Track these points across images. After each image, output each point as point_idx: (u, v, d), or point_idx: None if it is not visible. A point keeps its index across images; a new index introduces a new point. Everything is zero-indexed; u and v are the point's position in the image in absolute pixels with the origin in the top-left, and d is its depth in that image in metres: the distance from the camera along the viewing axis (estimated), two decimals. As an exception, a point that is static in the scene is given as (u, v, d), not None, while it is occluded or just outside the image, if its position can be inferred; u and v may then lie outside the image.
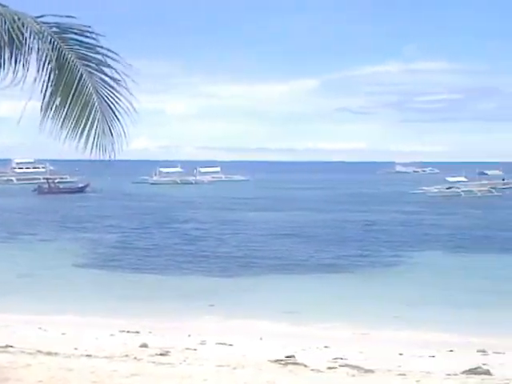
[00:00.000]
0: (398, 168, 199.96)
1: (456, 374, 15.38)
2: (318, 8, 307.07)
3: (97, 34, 9.43)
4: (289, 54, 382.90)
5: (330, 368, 15.67)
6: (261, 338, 20.93)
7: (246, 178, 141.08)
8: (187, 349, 18.02)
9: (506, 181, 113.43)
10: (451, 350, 19.84)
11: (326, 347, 19.63)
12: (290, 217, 65.43)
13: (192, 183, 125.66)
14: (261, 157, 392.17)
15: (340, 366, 16.08)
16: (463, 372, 15.65)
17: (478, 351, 19.77)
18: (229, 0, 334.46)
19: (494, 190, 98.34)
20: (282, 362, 15.75)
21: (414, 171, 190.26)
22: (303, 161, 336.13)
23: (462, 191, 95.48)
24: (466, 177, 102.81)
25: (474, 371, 15.70)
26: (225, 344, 19.39)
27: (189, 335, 20.91)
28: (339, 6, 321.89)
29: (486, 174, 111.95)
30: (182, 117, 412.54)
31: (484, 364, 17.14)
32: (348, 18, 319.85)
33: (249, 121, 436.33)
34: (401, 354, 18.87)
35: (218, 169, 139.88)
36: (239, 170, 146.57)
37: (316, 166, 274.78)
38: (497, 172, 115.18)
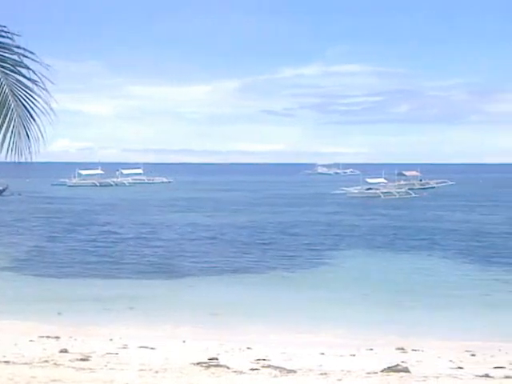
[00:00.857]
0: (320, 169, 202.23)
1: (376, 373, 15.63)
2: (243, 9, 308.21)
3: (13, 34, 9.17)
4: (212, 55, 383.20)
5: (252, 369, 15.72)
6: (184, 341, 20.84)
7: (169, 179, 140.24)
8: (108, 353, 17.80)
9: (423, 181, 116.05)
10: (371, 349, 20.16)
11: (248, 348, 19.68)
12: (212, 219, 65.34)
13: (112, 185, 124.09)
14: (185, 159, 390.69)
15: (263, 366, 16.15)
16: (383, 370, 15.92)
17: (397, 349, 20.15)
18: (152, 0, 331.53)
19: (412, 191, 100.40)
20: (205, 365, 15.74)
21: (335, 172, 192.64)
22: (227, 162, 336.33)
23: (381, 192, 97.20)
24: (385, 178, 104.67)
25: (393, 369, 15.99)
26: (147, 348, 19.21)
27: (110, 339, 20.65)
28: (263, 8, 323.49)
29: (405, 176, 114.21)
30: (105, 118, 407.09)
31: (403, 362, 17.46)
32: (271, 20, 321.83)
33: (173, 122, 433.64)
34: (322, 354, 19.07)
35: (140, 171, 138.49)
36: (162, 172, 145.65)
37: (240, 167, 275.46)
38: (414, 173, 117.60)
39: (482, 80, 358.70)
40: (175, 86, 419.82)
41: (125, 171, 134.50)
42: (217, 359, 16.86)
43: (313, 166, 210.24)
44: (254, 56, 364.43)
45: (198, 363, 15.92)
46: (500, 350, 20.16)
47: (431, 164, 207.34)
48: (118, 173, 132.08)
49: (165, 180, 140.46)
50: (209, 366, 15.53)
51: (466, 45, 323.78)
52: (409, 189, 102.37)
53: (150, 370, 14.91)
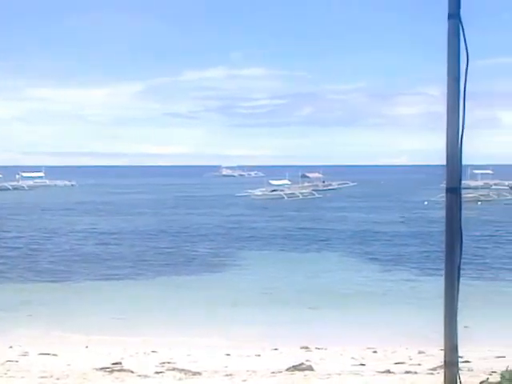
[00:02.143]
0: (225, 171, 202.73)
1: (281, 372, 15.71)
2: (146, 10, 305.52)
3: None
4: (114, 56, 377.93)
5: (157, 372, 15.56)
6: (86, 347, 20.45)
7: (72, 183, 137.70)
8: (8, 361, 17.27)
9: (326, 183, 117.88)
10: (276, 349, 20.28)
11: (153, 352, 19.48)
12: (114, 222, 64.44)
13: (10, 189, 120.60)
14: (89, 161, 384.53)
15: (167, 369, 16.01)
16: (287, 369, 16.02)
17: (301, 348, 20.33)
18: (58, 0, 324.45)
19: (315, 192, 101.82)
20: (108, 370, 15.47)
21: (240, 174, 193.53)
22: (133, 165, 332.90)
23: (285, 194, 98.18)
24: (289, 180, 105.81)
25: (297, 368, 16.11)
26: (48, 354, 18.75)
27: (10, 347, 20.05)
28: (166, 10, 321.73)
29: (308, 177, 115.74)
30: (5, 121, 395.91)
31: (307, 360, 17.63)
32: (175, 23, 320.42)
33: (76, 124, 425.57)
34: (228, 355, 19.07)
35: (41, 174, 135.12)
36: (65, 175, 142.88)
37: (145, 170, 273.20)
38: (317, 175, 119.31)
39: (381, 84, 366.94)
40: (77, 89, 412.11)
41: (25, 174, 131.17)
42: (120, 364, 16.60)
43: (218, 168, 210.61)
44: (157, 58, 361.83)
45: (101, 368, 15.63)
46: (400, 346, 20.61)
47: (334, 166, 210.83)
48: (18, 176, 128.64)
49: (67, 183, 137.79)
50: (112, 371, 15.28)
51: (365, 49, 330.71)
52: (312, 190, 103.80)
53: (51, 376, 14.55)
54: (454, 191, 3.48)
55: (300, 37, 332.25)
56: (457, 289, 3.47)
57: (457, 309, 3.47)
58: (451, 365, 3.56)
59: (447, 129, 3.43)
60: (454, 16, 3.34)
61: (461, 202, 3.54)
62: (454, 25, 3.34)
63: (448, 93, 3.40)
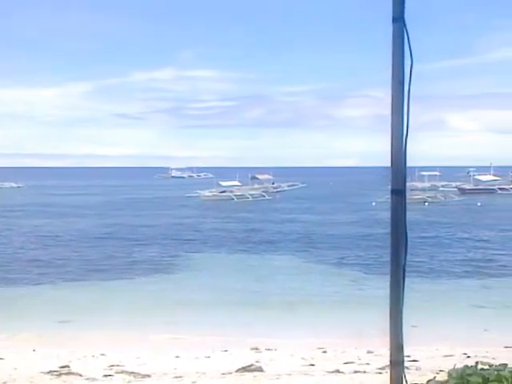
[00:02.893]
0: (174, 173, 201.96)
1: (230, 373, 15.72)
2: (93, 10, 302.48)
3: None
4: (62, 57, 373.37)
5: (106, 376, 15.43)
6: (34, 350, 20.16)
7: (19, 184, 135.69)
8: (-47, 366, 16.96)
9: (275, 184, 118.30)
10: (226, 350, 20.27)
11: (102, 355, 19.31)
12: (59, 224, 63.64)
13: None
14: (38, 163, 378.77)
15: (116, 372, 15.89)
16: (237, 370, 16.03)
17: (251, 349, 20.36)
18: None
19: (265, 194, 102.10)
20: (56, 373, 15.29)
21: (189, 176, 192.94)
22: (82, 166, 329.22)
23: (235, 195, 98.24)
24: (239, 181, 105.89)
25: (247, 369, 16.15)
26: (-6, 358, 18.46)
27: (-46, 351, 19.68)
28: (113, 10, 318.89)
29: (258, 179, 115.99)
30: None
31: (257, 361, 17.67)
32: (123, 23, 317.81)
33: (22, 125, 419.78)
34: (177, 357, 19.00)
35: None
36: (11, 177, 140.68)
37: (94, 171, 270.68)
38: (267, 176, 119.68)
39: (330, 86, 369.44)
40: (25, 89, 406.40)
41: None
42: (68, 367, 16.42)
43: (167, 169, 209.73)
44: (106, 58, 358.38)
45: (48, 372, 15.44)
46: (350, 346, 20.77)
47: (283, 167, 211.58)
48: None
49: (14, 185, 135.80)
50: (60, 374, 15.11)
51: (315, 52, 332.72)
52: (262, 191, 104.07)
53: (-2, 380, 14.32)
54: (398, 193, 3.53)
55: (250, 39, 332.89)
56: (402, 289, 3.52)
57: (402, 309, 3.52)
58: (397, 364, 3.61)
59: (392, 131, 3.48)
60: (398, 19, 3.40)
61: (405, 203, 3.59)
62: (399, 28, 3.39)
63: (392, 95, 3.45)
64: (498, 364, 7.37)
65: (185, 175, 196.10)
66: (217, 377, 15.29)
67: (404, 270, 3.47)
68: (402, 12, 3.39)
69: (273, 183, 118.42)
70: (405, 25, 3.39)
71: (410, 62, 3.39)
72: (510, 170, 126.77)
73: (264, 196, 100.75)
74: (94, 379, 14.81)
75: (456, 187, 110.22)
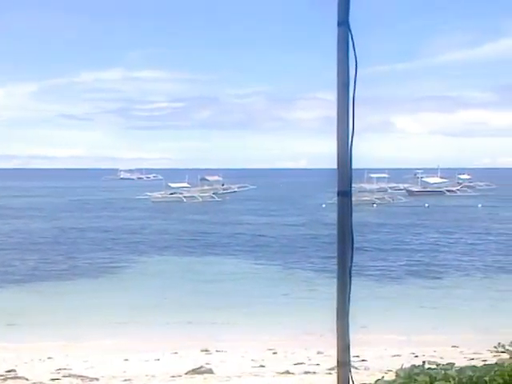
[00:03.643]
0: (123, 174, 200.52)
1: (180, 375, 15.68)
2: (41, 7, 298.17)
3: None
4: (10, 55, 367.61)
5: (53, 379, 15.25)
6: (-21, 355, 19.82)
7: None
8: None
9: (225, 186, 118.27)
10: (176, 352, 20.20)
11: (49, 358, 19.08)
12: (5, 226, 62.64)
13: None
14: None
15: (64, 376, 15.72)
16: (187, 372, 16.00)
17: (201, 351, 20.34)
18: None
19: (215, 196, 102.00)
20: (2, 378, 15.06)
21: (139, 178, 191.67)
22: (27, 168, 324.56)
23: (185, 197, 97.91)
24: (188, 183, 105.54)
25: (197, 371, 16.12)
26: None
27: None
28: (62, 9, 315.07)
29: (208, 180, 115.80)
30: None
31: (207, 363, 17.66)
32: (70, 22, 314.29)
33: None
34: (126, 360, 18.86)
35: None
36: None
37: (40, 172, 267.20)
38: (217, 178, 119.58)
39: (280, 88, 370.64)
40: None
41: None
42: (14, 371, 16.19)
43: (115, 171, 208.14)
44: (52, 59, 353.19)
45: (-7, 376, 15.20)
46: (300, 347, 20.88)
47: (233, 169, 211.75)
48: None
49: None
50: (6, 379, 14.88)
51: (266, 54, 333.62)
52: (212, 193, 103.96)
53: None
54: (344, 194, 3.57)
55: (198, 39, 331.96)
56: (348, 290, 3.54)
57: (349, 310, 3.54)
58: (344, 364, 3.64)
59: (337, 133, 3.51)
60: (343, 23, 3.44)
61: (351, 204, 3.62)
62: (343, 32, 3.43)
63: (338, 98, 3.49)
64: (445, 363, 7.47)
65: (134, 177, 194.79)
66: (166, 379, 15.23)
67: (350, 271, 3.50)
68: (347, 16, 3.43)
69: (223, 185, 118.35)
70: (349, 29, 3.43)
71: (354, 65, 3.43)
72: (457, 171, 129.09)
73: (214, 197, 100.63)
74: (40, 383, 14.62)
75: (404, 189, 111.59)
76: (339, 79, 3.46)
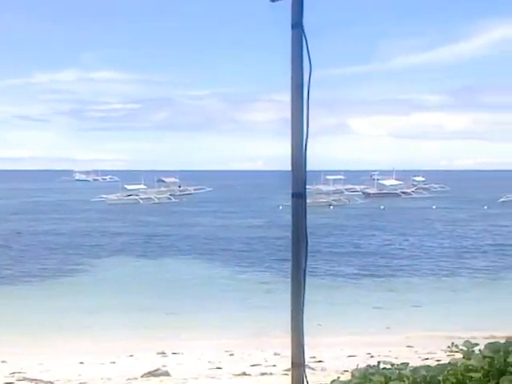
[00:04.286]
0: (78, 176, 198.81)
1: (136, 378, 15.61)
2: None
3: None
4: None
5: (6, 383, 15.05)
6: None
7: None
8: None
9: (182, 188, 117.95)
10: (132, 355, 20.08)
11: (3, 362, 18.83)
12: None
13: None
14: None
15: (18, 380, 15.54)
16: (143, 375, 15.93)
17: (157, 353, 20.24)
18: None
19: (172, 197, 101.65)
20: (-46, 383, 14.82)
21: (94, 179, 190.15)
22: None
23: (141, 198, 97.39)
24: (145, 184, 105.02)
25: (153, 373, 16.05)
26: None
27: None
28: (17, 8, 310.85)
29: (164, 182, 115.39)
30: None
31: (163, 366, 17.60)
32: (27, 22, 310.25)
33: None
34: (81, 363, 18.70)
35: None
36: None
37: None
38: (173, 179, 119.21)
39: (236, 90, 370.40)
40: None
41: None
42: (-33, 375, 15.94)
43: (70, 172, 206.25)
44: (5, 60, 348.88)
45: None
46: (257, 349, 20.91)
47: (190, 170, 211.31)
48: None
49: None
50: (-42, 384, 14.65)
51: (222, 55, 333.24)
52: (169, 195, 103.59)
53: None
54: (299, 196, 3.59)
55: (155, 40, 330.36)
56: (303, 292, 3.56)
57: (303, 311, 3.56)
58: (298, 365, 3.66)
59: (292, 135, 3.53)
60: (297, 26, 3.46)
61: (306, 206, 3.65)
62: (297, 34, 3.45)
63: (292, 100, 3.51)
64: (399, 363, 7.54)
65: (89, 178, 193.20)
66: (122, 382, 15.16)
67: (305, 273, 3.52)
68: (301, 19, 3.45)
69: (179, 186, 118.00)
70: (303, 31, 3.45)
71: (309, 68, 3.45)
72: (412, 174, 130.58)
73: (171, 199, 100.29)
74: (-6, 388, 14.43)
75: (360, 191, 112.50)
76: (293, 81, 3.48)
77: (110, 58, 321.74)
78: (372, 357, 17.89)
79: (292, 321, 3.52)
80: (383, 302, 29.54)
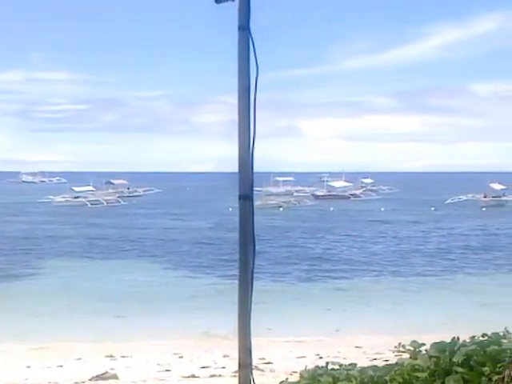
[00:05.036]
0: (25, 177, 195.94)
1: (84, 382, 15.47)
2: None
3: None
4: None
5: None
6: None
7: None
8: None
9: (131, 189, 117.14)
10: (79, 358, 19.87)
11: None
12: None
13: None
14: None
15: (-39, 386, 15.24)
16: (91, 378, 15.79)
17: (106, 356, 20.06)
18: None
19: (121, 199, 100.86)
20: None
21: (41, 181, 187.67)
22: None
23: (89, 200, 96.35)
24: (93, 186, 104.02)
25: (101, 377, 15.92)
26: None
27: None
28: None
29: (113, 184, 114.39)
30: None
31: (112, 369, 17.45)
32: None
33: None
34: (28, 367, 18.44)
35: None
36: None
37: None
38: (122, 181, 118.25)
39: (184, 92, 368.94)
40: None
41: None
42: None
43: (17, 174, 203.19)
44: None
45: None
46: (206, 351, 20.86)
47: (140, 172, 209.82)
48: None
49: None
50: None
51: (172, 57, 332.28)
52: (118, 197, 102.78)
53: None
54: (246, 198, 3.60)
55: (104, 41, 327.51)
56: (250, 293, 3.57)
57: (250, 312, 3.57)
58: (245, 367, 3.67)
59: (239, 138, 3.54)
60: (244, 28, 3.47)
61: (253, 208, 3.66)
62: (244, 36, 3.46)
63: (239, 102, 3.52)
64: (347, 364, 7.60)
65: (36, 180, 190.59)
66: (69, 386, 15.00)
67: (252, 275, 3.53)
68: (247, 20, 3.46)
69: (128, 188, 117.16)
70: (250, 33, 3.46)
71: (256, 70, 3.47)
72: (361, 176, 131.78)
73: (119, 201, 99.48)
74: None
75: (310, 193, 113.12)
76: (240, 83, 3.49)
77: (58, 59, 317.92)
78: (321, 358, 17.99)
79: (239, 322, 3.53)
80: (332, 304, 29.71)
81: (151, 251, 48.78)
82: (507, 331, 6.66)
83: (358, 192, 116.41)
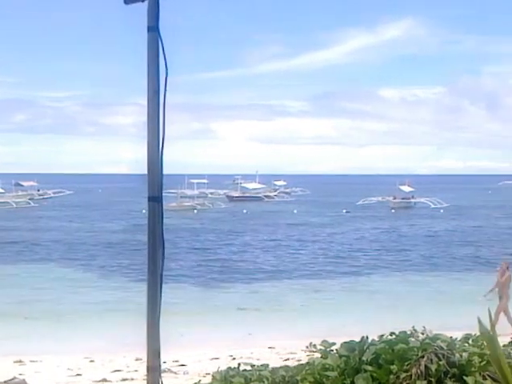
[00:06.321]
0: None
1: (-10, 389, 15.06)
2: None
3: None
4: None
5: None
6: None
7: None
8: None
9: (41, 191, 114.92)
10: (-16, 365, 19.36)
11: None
12: None
13: None
14: None
15: None
16: (-1, 385, 15.39)
17: (14, 362, 19.60)
18: None
19: (31, 202, 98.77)
20: None
21: None
22: None
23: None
24: (2, 188, 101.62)
25: (9, 382, 15.52)
26: None
27: None
28: None
29: (22, 186, 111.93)
30: None
31: (20, 374, 17.06)
32: None
33: None
34: None
35: None
36: None
37: None
38: (32, 183, 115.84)
39: (97, 93, 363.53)
40: None
41: None
42: None
43: None
44: None
45: None
46: (118, 355, 20.63)
47: (50, 174, 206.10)
48: None
49: None
50: None
51: (83, 58, 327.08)
52: (28, 199, 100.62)
53: None
54: (155, 200, 3.59)
55: (12, 42, 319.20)
56: (159, 296, 3.56)
57: (159, 315, 3.56)
58: (154, 369, 3.66)
59: (148, 140, 3.53)
60: (153, 29, 3.46)
61: (162, 210, 3.65)
62: (153, 37, 3.45)
63: (148, 104, 3.50)
64: (260, 364, 7.68)
65: None
66: (-25, 393, 14.59)
67: (161, 277, 3.52)
68: (157, 22, 3.45)
69: (38, 190, 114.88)
70: (159, 35, 3.44)
71: (165, 72, 3.46)
72: (274, 178, 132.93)
73: (29, 203, 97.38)
74: None
75: (224, 194, 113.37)
76: (149, 86, 3.47)
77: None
78: (234, 359, 18.06)
79: (148, 325, 3.51)
80: (246, 305, 29.81)
81: (60, 254, 47.89)
82: (415, 330, 6.84)
83: (271, 194, 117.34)
